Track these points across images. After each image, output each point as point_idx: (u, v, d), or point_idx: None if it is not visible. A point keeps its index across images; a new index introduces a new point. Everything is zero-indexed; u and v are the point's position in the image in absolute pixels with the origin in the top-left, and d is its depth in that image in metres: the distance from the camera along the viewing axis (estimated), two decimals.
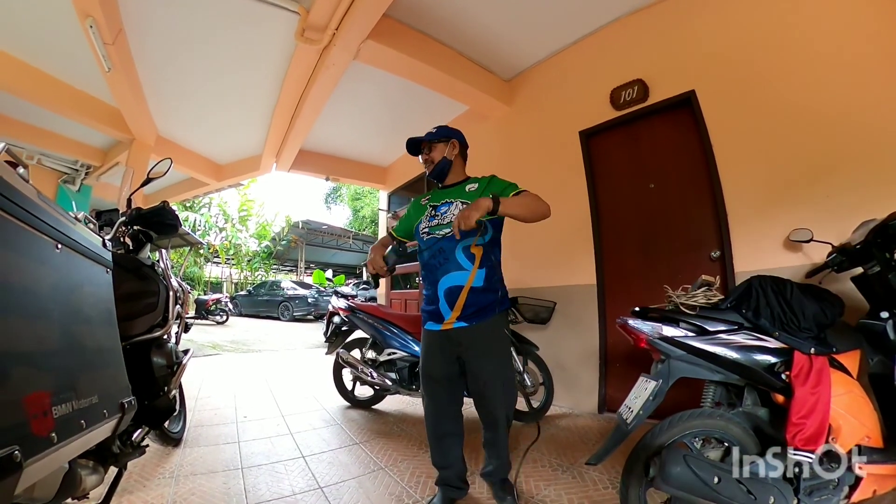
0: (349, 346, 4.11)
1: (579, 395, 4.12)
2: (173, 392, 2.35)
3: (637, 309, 1.96)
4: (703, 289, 1.93)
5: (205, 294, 18.06)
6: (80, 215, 1.82)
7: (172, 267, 2.65)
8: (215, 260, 23.27)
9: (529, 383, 3.66)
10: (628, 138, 4.08)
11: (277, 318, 16.87)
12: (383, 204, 8.83)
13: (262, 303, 17.86)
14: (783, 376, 1.73)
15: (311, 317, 16.66)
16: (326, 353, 4.18)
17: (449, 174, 2.41)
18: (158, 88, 5.39)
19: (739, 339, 1.78)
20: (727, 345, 1.75)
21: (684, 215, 3.62)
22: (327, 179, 8.01)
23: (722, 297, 1.91)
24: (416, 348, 3.69)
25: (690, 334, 1.77)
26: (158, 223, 2.40)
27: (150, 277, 2.31)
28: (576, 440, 3.27)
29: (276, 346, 9.45)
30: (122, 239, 2.37)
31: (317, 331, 12.49)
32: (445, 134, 2.41)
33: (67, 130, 6.76)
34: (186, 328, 3.00)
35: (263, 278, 23.10)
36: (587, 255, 4.18)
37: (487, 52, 4.76)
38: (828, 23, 2.93)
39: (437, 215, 2.31)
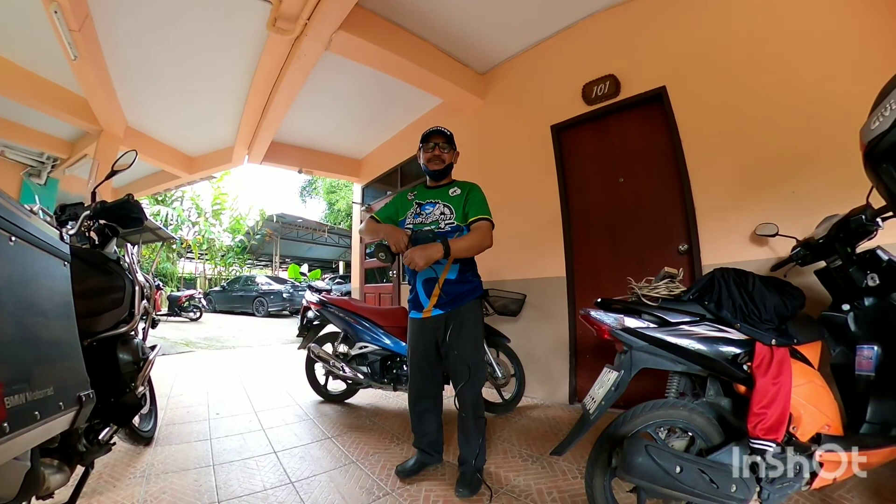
0: (321, 341, 4.09)
1: (551, 386, 4.18)
2: (140, 388, 2.31)
3: (600, 300, 1.97)
4: (665, 280, 1.94)
5: (178, 290, 17.74)
6: (36, 208, 1.78)
7: (142, 262, 2.60)
8: (188, 255, 22.88)
9: (501, 375, 3.70)
10: (599, 133, 4.13)
11: (252, 314, 16.64)
12: (357, 197, 8.78)
13: (236, 298, 17.61)
14: (745, 367, 1.74)
15: (287, 312, 16.52)
16: (299, 348, 4.16)
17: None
18: (128, 78, 5.25)
19: (701, 330, 1.78)
20: (689, 336, 1.76)
21: (653, 209, 3.68)
22: (300, 172, 7.91)
23: (684, 288, 1.92)
24: (388, 342, 3.69)
25: (652, 325, 1.78)
26: (124, 217, 2.34)
27: (116, 272, 2.26)
28: (546, 431, 3.32)
29: (250, 342, 9.32)
30: (87, 233, 2.31)
31: (292, 326, 12.32)
32: (453, 142, 2.61)
33: (32, 121, 6.54)
34: (154, 324, 2.96)
35: (237, 273, 22.76)
36: (557, 248, 4.24)
37: (462, 44, 4.75)
38: (797, 25, 3.00)
39: (422, 213, 2.54)
